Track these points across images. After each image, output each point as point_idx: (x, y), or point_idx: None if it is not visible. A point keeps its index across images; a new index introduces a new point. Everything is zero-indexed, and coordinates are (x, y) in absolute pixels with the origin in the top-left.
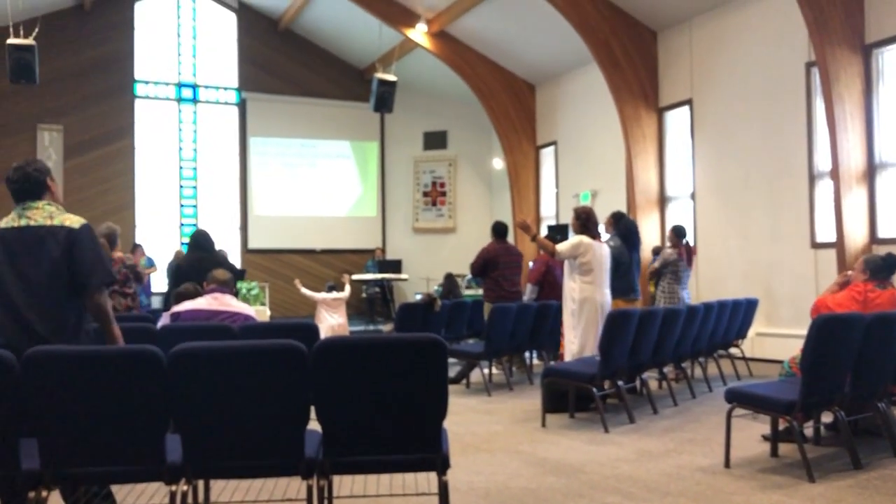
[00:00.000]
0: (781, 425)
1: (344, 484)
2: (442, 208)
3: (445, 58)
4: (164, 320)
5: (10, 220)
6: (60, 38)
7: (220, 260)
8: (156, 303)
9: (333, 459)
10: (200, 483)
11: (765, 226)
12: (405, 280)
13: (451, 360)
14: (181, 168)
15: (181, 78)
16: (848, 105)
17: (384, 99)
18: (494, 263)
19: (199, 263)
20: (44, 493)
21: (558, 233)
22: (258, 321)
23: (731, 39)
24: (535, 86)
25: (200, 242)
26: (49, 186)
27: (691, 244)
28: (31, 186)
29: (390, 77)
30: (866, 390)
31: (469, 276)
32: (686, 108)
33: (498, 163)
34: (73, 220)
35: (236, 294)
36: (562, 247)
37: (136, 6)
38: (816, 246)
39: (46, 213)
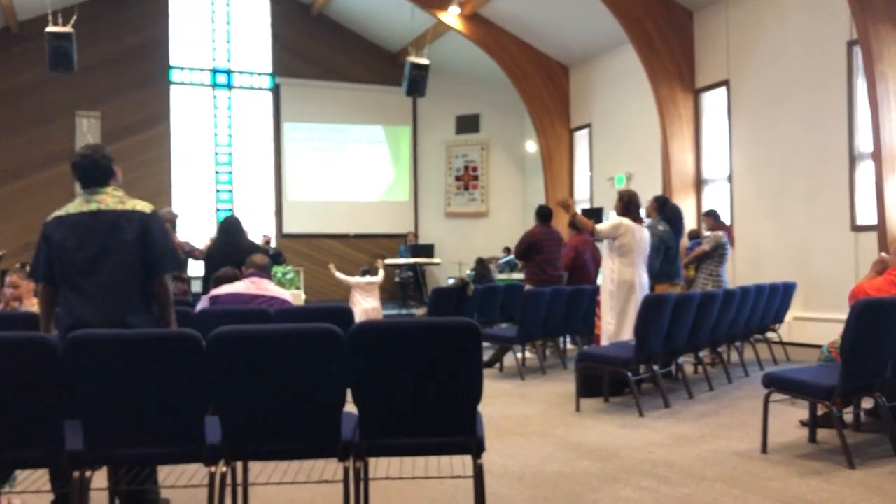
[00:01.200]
0: (820, 411)
1: (380, 466)
2: (474, 192)
3: (478, 40)
4: (202, 304)
5: (78, 205)
6: (97, 25)
7: (247, 246)
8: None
9: (369, 442)
10: (239, 464)
11: (803, 208)
12: (437, 264)
13: (484, 344)
14: (216, 153)
15: (216, 64)
16: (891, 84)
17: (417, 83)
18: (539, 247)
19: (225, 248)
20: (87, 474)
21: (592, 216)
22: (294, 305)
23: (769, 18)
24: (569, 67)
25: (228, 228)
26: (115, 173)
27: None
28: (99, 173)
29: (423, 61)
30: None
31: (502, 258)
32: (723, 90)
33: (531, 146)
34: (144, 206)
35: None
36: (602, 226)
37: None
38: (857, 229)
39: (116, 198)
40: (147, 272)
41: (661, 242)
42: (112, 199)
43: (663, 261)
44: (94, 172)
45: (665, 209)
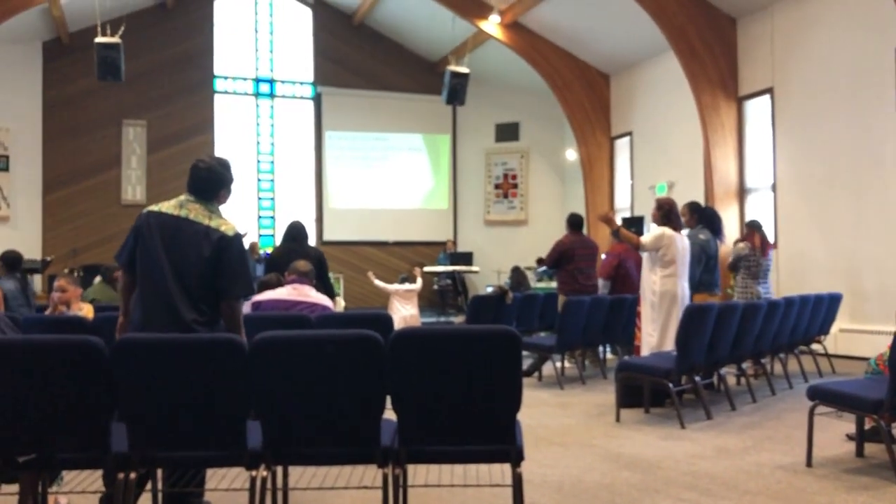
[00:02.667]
0: (867, 424)
1: (419, 473)
2: (514, 200)
3: (519, 49)
4: (245, 309)
5: (172, 207)
6: (144, 36)
7: (311, 251)
8: None
9: (409, 448)
10: (279, 469)
11: (850, 219)
12: (476, 272)
13: (522, 353)
14: (259, 161)
15: (258, 73)
16: None
17: (456, 91)
18: (570, 256)
19: (290, 255)
20: (132, 476)
21: (633, 225)
22: (335, 312)
23: (815, 25)
24: (610, 75)
25: (294, 234)
26: (221, 195)
27: (768, 237)
28: (210, 186)
29: (463, 69)
30: None
31: (538, 268)
32: (767, 97)
33: (571, 154)
34: (229, 227)
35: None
36: (645, 239)
37: (216, 3)
38: None
39: (206, 213)
40: (217, 291)
41: (702, 252)
42: (202, 213)
43: (703, 271)
44: (203, 184)
45: (703, 215)
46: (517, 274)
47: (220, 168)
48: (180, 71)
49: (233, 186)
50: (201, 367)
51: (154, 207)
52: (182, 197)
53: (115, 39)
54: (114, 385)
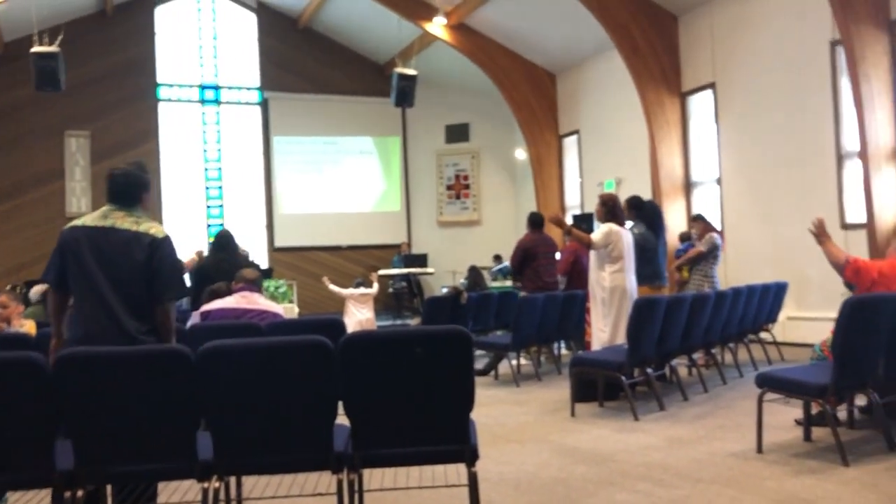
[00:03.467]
0: (814, 409)
1: (374, 477)
2: (466, 201)
3: (465, 50)
4: (193, 319)
5: (96, 218)
6: (84, 44)
7: (242, 261)
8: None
9: (362, 453)
10: (232, 479)
11: (792, 208)
12: (431, 274)
13: (479, 352)
14: (206, 169)
15: (203, 80)
16: (875, 83)
17: (405, 93)
18: (533, 254)
19: (220, 264)
20: (80, 493)
21: (583, 222)
22: (286, 318)
23: (753, 21)
24: (556, 75)
25: (223, 243)
26: (143, 199)
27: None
28: (130, 193)
29: (410, 71)
30: None
31: (494, 267)
32: (709, 92)
33: (521, 154)
34: (158, 230)
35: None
36: (596, 237)
37: (157, 10)
38: (846, 227)
39: (133, 219)
40: (150, 297)
41: (636, 245)
42: (128, 219)
43: (640, 263)
44: (123, 191)
45: (642, 210)
46: (474, 273)
47: (137, 171)
48: (123, 79)
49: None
50: (147, 379)
51: (77, 222)
52: (104, 208)
53: (53, 48)
54: (58, 401)
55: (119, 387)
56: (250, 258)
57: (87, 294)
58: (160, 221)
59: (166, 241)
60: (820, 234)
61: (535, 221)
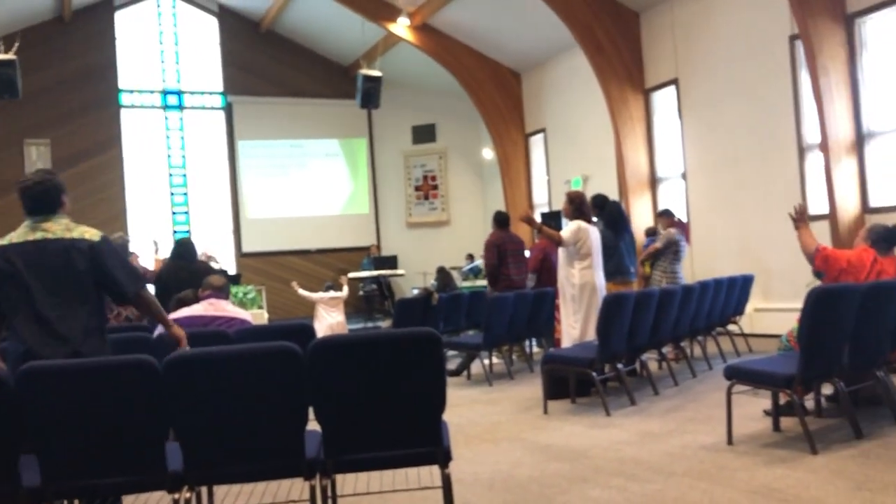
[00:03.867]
0: (782, 399)
1: (347, 482)
2: (434, 201)
3: (429, 50)
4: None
5: (23, 234)
6: (42, 51)
7: (201, 268)
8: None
9: (335, 458)
10: (204, 489)
11: (757, 201)
12: (402, 275)
13: (451, 352)
14: (171, 175)
15: (166, 85)
16: (833, 76)
17: (370, 95)
18: (503, 253)
19: (178, 272)
20: None
21: (552, 220)
22: (254, 325)
23: (713, 16)
24: (521, 74)
25: (181, 251)
26: (63, 202)
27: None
28: (48, 201)
29: (375, 73)
30: (865, 359)
31: (465, 266)
32: (672, 88)
33: (488, 153)
34: (93, 234)
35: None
36: (565, 234)
37: (117, 15)
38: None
39: (63, 226)
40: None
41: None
42: (58, 227)
43: (603, 260)
44: (43, 199)
45: (603, 209)
46: (443, 275)
47: (48, 176)
48: (83, 86)
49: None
50: (113, 390)
51: (3, 241)
52: (27, 223)
53: (10, 56)
54: (22, 416)
55: (84, 399)
56: (217, 265)
57: (26, 310)
58: (125, 230)
59: (104, 241)
60: (799, 219)
61: (501, 220)
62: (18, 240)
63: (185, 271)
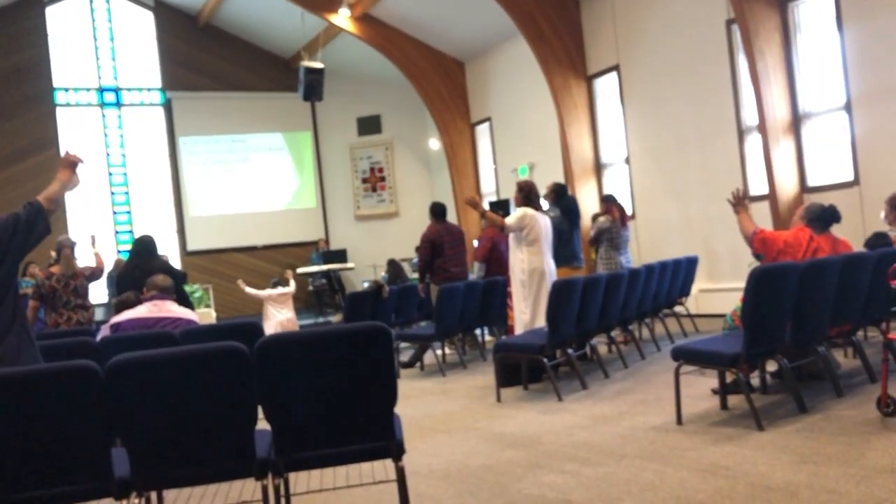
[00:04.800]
0: (728, 378)
1: (300, 480)
2: (383, 193)
3: (371, 41)
4: (103, 332)
5: None
6: None
7: (160, 266)
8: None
9: (286, 457)
10: (153, 495)
11: (699, 184)
12: (352, 269)
13: (403, 344)
14: (111, 174)
15: (102, 82)
16: (769, 59)
17: (313, 87)
18: (440, 245)
19: (136, 271)
20: None
21: (500, 209)
22: (200, 325)
23: (653, 2)
24: (465, 63)
25: (138, 249)
26: None
27: (625, 209)
28: None
29: (317, 64)
30: (806, 336)
31: (415, 259)
32: (614, 74)
33: (434, 143)
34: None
35: (184, 298)
36: (510, 220)
37: (48, 11)
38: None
39: None
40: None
41: (555, 228)
42: None
43: (558, 246)
44: None
45: (561, 201)
46: (394, 267)
47: None
48: (15, 85)
49: None
50: (54, 397)
51: None
52: None
53: None
54: None
55: (24, 408)
56: (168, 264)
57: None
58: (66, 232)
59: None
60: (737, 203)
61: (437, 211)
62: None
63: (140, 270)
